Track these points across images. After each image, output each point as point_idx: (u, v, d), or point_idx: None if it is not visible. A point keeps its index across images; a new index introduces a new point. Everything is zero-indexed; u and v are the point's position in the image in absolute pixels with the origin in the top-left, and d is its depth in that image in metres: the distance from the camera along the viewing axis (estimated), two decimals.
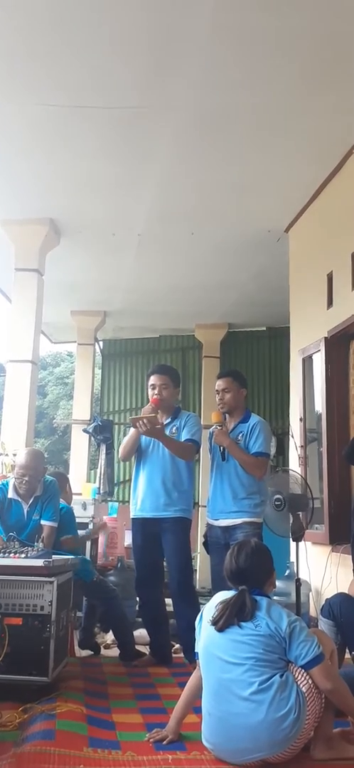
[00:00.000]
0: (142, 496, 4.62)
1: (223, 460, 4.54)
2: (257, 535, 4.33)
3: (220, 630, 2.80)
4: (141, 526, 4.64)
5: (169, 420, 4.69)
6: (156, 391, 4.64)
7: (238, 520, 4.41)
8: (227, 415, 4.62)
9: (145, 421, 4.38)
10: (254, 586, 2.90)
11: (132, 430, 4.63)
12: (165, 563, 4.72)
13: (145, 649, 4.81)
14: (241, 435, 4.54)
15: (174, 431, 4.65)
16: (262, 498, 4.52)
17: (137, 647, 4.83)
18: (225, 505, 4.51)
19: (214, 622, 2.83)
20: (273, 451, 7.76)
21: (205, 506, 4.91)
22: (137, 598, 6.12)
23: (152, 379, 4.71)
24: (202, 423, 4.83)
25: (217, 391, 4.66)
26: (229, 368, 5.10)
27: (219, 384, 4.66)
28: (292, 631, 2.76)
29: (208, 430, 4.78)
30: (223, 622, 2.80)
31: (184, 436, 4.61)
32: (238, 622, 2.78)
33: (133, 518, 4.72)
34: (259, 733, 2.62)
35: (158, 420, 4.47)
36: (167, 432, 4.61)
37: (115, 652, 4.94)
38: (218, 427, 4.55)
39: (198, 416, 4.89)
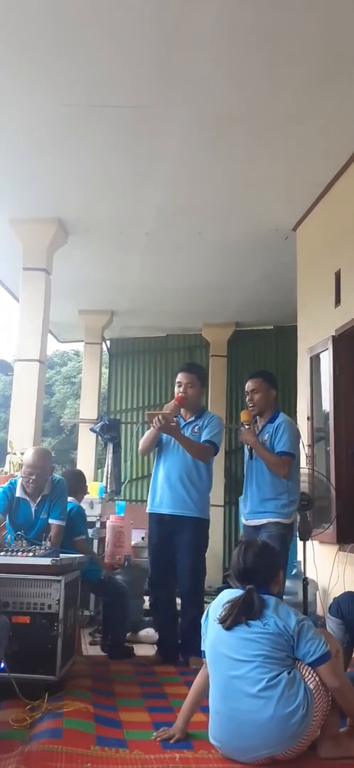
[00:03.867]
0: (160, 492, 4.63)
1: (251, 458, 4.54)
2: (283, 536, 4.34)
3: (228, 628, 2.80)
4: (157, 522, 4.64)
5: (192, 419, 4.70)
6: (181, 389, 4.67)
7: (264, 520, 4.41)
8: (258, 416, 4.63)
9: (160, 417, 4.40)
10: (261, 585, 2.90)
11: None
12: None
13: (152, 649, 4.81)
14: (267, 435, 4.53)
15: (196, 431, 4.65)
16: (290, 498, 4.46)
17: (143, 645, 4.83)
18: (253, 505, 4.52)
19: (222, 621, 2.83)
20: None
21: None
22: (145, 597, 6.15)
23: (179, 377, 4.74)
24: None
25: (246, 392, 4.68)
26: (261, 369, 5.19)
27: (248, 385, 4.67)
28: (301, 630, 2.77)
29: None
30: (231, 620, 2.80)
31: (203, 436, 4.62)
32: (247, 620, 2.78)
33: (149, 513, 4.73)
34: (267, 729, 2.62)
35: (172, 418, 4.47)
36: (189, 431, 4.64)
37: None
38: (246, 426, 4.54)
39: (221, 419, 4.85)
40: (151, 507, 4.70)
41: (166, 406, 4.67)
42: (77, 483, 5.24)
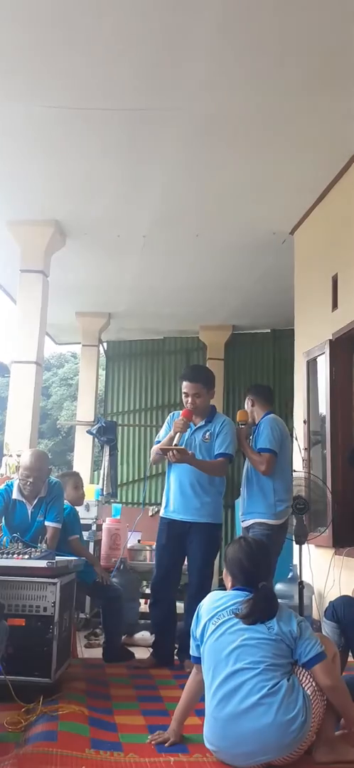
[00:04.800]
0: (173, 498, 4.61)
1: (244, 459, 4.64)
2: (268, 536, 4.35)
3: (251, 624, 2.77)
4: (167, 526, 4.62)
5: (202, 423, 4.64)
6: (189, 401, 4.58)
7: (251, 521, 4.47)
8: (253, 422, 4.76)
9: (174, 452, 4.37)
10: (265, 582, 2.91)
11: (163, 440, 4.64)
12: (185, 564, 4.71)
13: (147, 652, 4.80)
14: (252, 436, 4.63)
15: (207, 437, 4.60)
16: (277, 498, 4.50)
17: (137, 648, 4.81)
18: (244, 506, 4.60)
19: (244, 617, 2.80)
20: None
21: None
22: (140, 600, 6.14)
23: (185, 387, 4.63)
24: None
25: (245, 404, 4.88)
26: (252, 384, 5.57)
27: (246, 402, 4.89)
28: (300, 630, 2.78)
29: None
30: (254, 619, 2.78)
31: (216, 448, 4.55)
32: (265, 619, 2.78)
33: (161, 517, 4.72)
34: (266, 736, 2.61)
35: (187, 451, 4.44)
36: (200, 436, 4.60)
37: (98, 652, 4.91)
38: (241, 425, 4.65)
39: (232, 422, 4.75)
40: (165, 513, 4.67)
41: (174, 424, 4.52)
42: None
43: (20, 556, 3.77)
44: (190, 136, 5.64)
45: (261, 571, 2.96)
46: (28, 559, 3.73)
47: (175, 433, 4.46)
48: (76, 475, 5.42)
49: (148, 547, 6.53)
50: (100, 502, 7.63)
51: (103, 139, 5.75)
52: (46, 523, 4.37)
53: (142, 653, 4.89)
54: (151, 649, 4.72)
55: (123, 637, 5.05)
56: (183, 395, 4.66)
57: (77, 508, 5.08)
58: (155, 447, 4.71)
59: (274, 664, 2.70)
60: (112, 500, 9.14)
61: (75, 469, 10.33)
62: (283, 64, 4.72)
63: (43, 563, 3.63)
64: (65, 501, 4.85)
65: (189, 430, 4.59)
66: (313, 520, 5.69)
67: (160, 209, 6.96)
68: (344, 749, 2.82)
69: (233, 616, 2.83)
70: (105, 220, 7.31)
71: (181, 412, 4.62)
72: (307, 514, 5.27)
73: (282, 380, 10.47)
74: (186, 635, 4.34)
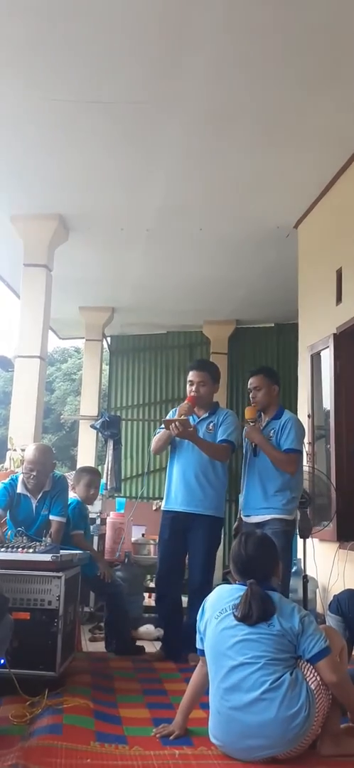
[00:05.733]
0: (175, 490, 4.61)
1: (255, 455, 4.52)
2: (287, 533, 4.36)
3: (253, 624, 2.76)
4: (170, 519, 4.62)
5: (206, 415, 4.66)
6: (193, 388, 4.62)
7: (268, 517, 4.40)
8: (262, 413, 4.62)
9: (177, 423, 4.37)
10: (262, 579, 2.88)
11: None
12: (187, 558, 4.70)
13: (152, 645, 4.80)
14: (272, 432, 4.51)
15: (211, 428, 4.62)
16: (293, 495, 4.48)
17: (142, 642, 4.81)
18: (256, 501, 4.50)
19: (239, 620, 2.80)
20: None
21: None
22: (144, 594, 6.15)
23: (191, 375, 4.69)
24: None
25: (249, 389, 4.68)
26: (262, 365, 5.28)
27: (251, 382, 4.67)
28: (303, 626, 2.76)
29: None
30: (250, 621, 2.75)
31: (220, 435, 4.58)
32: (260, 621, 2.75)
33: (163, 510, 4.71)
34: (270, 730, 2.60)
35: (190, 423, 4.45)
36: (203, 427, 4.61)
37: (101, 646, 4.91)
38: (251, 423, 4.54)
39: (236, 415, 4.79)
40: (167, 504, 4.67)
41: (179, 408, 4.57)
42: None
43: (25, 549, 3.77)
44: (194, 130, 5.63)
45: (255, 567, 2.92)
46: (32, 552, 3.73)
47: (180, 416, 4.47)
48: (93, 474, 5.29)
49: (152, 541, 6.54)
50: (104, 496, 7.64)
51: (106, 133, 5.73)
52: (51, 517, 4.38)
53: (147, 647, 4.90)
54: (155, 643, 4.73)
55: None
56: (188, 384, 4.69)
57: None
58: (157, 436, 4.71)
59: (275, 659, 2.69)
60: (115, 494, 9.14)
61: (79, 463, 10.33)
62: (286, 58, 4.71)
63: (47, 557, 3.63)
64: (75, 496, 4.85)
65: (193, 421, 4.59)
66: (317, 514, 5.69)
67: (164, 203, 6.95)
68: (349, 743, 2.82)
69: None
70: (108, 214, 7.30)
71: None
72: (311, 508, 5.27)
73: (286, 374, 10.39)
74: (190, 629, 4.36)
